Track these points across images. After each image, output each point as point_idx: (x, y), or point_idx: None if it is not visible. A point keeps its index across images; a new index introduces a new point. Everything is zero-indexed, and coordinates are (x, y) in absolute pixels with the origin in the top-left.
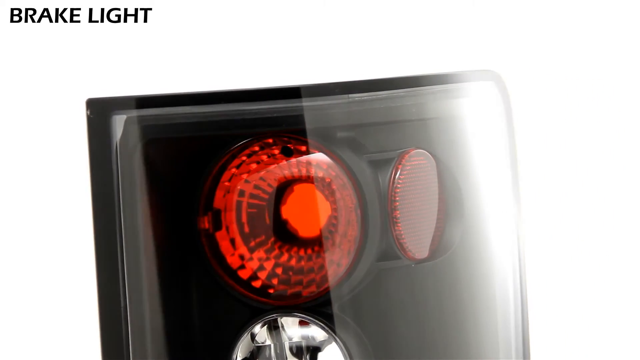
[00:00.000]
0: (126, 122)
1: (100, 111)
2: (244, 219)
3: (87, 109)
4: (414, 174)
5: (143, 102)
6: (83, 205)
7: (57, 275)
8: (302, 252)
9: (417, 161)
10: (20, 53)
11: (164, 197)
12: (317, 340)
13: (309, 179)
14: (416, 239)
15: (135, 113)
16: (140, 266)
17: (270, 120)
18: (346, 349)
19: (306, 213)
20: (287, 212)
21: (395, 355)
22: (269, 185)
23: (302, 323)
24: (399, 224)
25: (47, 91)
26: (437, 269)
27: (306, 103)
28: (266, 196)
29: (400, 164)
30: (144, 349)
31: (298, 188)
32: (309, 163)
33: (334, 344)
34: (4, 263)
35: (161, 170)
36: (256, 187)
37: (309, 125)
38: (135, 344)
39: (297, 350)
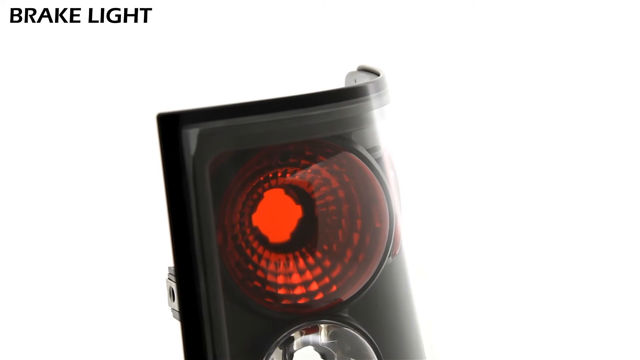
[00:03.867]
0: (199, 136)
1: (171, 125)
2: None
3: (158, 124)
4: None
5: (214, 113)
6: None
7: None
8: (333, 259)
9: (390, 158)
10: (20, 53)
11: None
12: (347, 347)
13: (343, 184)
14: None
15: (208, 125)
16: (217, 287)
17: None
18: (375, 351)
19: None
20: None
21: (398, 352)
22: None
23: (329, 329)
24: (398, 221)
25: (47, 91)
26: (399, 263)
27: (343, 106)
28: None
29: (389, 161)
30: None
31: (325, 195)
32: (341, 167)
33: (364, 347)
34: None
35: (235, 183)
36: (252, 194)
37: (342, 129)
38: None
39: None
